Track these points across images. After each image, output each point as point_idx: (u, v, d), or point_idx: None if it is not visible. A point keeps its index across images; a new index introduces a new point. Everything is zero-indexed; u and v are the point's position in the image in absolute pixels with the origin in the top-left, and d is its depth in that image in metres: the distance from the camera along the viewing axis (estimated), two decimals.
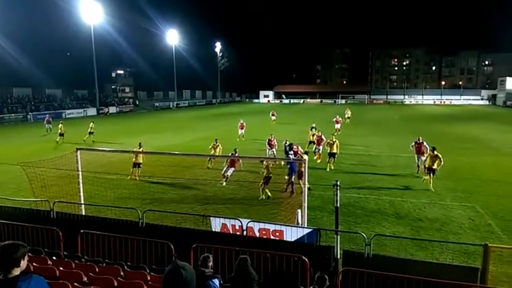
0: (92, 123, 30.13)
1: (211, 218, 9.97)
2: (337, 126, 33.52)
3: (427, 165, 15.70)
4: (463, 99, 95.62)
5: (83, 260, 7.48)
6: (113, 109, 66.45)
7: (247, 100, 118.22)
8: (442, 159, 15.37)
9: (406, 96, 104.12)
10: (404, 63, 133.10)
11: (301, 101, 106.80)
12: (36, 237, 8.35)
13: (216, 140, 19.90)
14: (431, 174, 15.48)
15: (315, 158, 20.93)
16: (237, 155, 16.61)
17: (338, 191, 8.41)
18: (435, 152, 15.50)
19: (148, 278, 6.17)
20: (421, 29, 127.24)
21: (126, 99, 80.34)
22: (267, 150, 20.90)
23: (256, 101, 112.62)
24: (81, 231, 8.17)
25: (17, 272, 3.24)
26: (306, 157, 14.34)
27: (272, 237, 8.82)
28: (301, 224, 9.66)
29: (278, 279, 7.13)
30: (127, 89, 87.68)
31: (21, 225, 8.53)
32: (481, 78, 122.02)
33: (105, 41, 67.21)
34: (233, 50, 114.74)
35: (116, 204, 13.39)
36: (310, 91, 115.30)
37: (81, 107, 61.73)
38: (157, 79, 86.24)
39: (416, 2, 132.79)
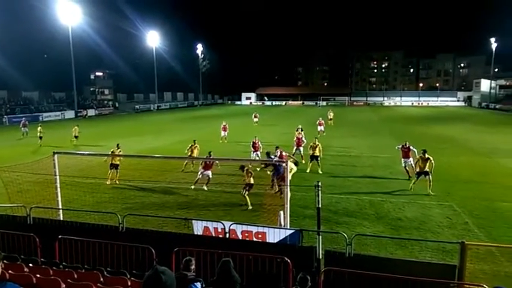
0: (76, 127, 29.94)
1: (193, 221, 9.88)
2: (321, 128, 33.83)
3: (418, 169, 15.28)
4: (440, 101, 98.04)
5: (61, 266, 7.29)
6: (91, 112, 65.21)
7: (229, 102, 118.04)
8: (433, 161, 15.06)
9: (385, 98, 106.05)
10: (383, 65, 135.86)
11: (283, 102, 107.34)
12: (12, 244, 8.10)
13: (194, 141, 19.69)
14: (425, 177, 15.04)
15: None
16: (212, 158, 16.23)
17: (319, 192, 8.49)
18: (426, 155, 15.13)
19: (129, 283, 6.07)
20: (399, 33, 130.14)
21: (106, 102, 78.98)
22: (251, 152, 20.67)
23: (238, 103, 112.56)
24: (59, 236, 7.97)
25: None
26: (294, 167, 14.25)
27: (255, 239, 8.82)
28: (284, 226, 9.70)
29: (261, 281, 7.14)
30: (106, 91, 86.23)
31: None
32: (457, 80, 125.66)
33: (83, 43, 65.94)
34: (215, 51, 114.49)
35: (95, 208, 13.13)
36: (292, 93, 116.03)
37: (59, 110, 60.38)
38: (137, 81, 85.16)
39: (395, 6, 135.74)
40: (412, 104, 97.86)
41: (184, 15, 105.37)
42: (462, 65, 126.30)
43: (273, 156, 15.71)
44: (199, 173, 15.96)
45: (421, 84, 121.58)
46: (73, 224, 9.20)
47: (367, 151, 25.60)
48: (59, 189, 11.16)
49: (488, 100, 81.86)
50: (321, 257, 7.69)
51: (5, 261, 6.89)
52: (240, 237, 8.91)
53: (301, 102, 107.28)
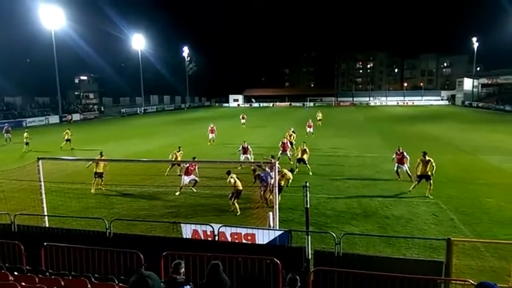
0: (68, 130, 29.69)
1: (181, 224, 9.82)
2: (310, 130, 34.05)
3: (419, 173, 14.71)
4: (425, 100, 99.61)
5: (47, 273, 7.15)
6: (76, 116, 64.27)
7: (216, 104, 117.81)
8: (434, 164, 14.57)
9: (371, 98, 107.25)
10: (369, 66, 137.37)
11: (271, 104, 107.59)
12: None
13: (179, 147, 19.49)
14: (427, 181, 14.59)
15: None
16: (194, 164, 15.89)
17: (308, 193, 8.53)
18: (427, 157, 14.64)
19: None
20: (383, 34, 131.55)
21: (91, 106, 78.02)
22: (241, 156, 20.48)
23: (226, 105, 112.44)
24: (45, 244, 7.83)
25: None
26: (290, 175, 14.20)
27: (244, 241, 8.81)
28: (273, 227, 9.72)
29: (251, 283, 7.13)
30: (91, 95, 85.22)
31: None
32: (441, 79, 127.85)
33: (67, 46, 64.87)
34: (201, 54, 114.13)
35: (81, 214, 12.94)
36: (279, 94, 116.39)
37: (43, 115, 59.34)
38: (123, 85, 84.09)
39: (379, 7, 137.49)
40: (398, 103, 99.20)
41: (169, 17, 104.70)
42: (445, 64, 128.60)
43: (262, 174, 13.86)
44: (182, 179, 15.73)
45: (405, 84, 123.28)
46: (59, 230, 9.04)
47: (354, 151, 25.83)
48: (44, 196, 10.96)
49: (471, 99, 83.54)
50: (310, 257, 7.72)
51: None
52: (230, 239, 8.88)
53: (288, 103, 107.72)
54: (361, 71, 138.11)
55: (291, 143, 23.31)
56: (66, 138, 29.09)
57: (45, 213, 10.82)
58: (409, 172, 16.82)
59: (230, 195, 13.24)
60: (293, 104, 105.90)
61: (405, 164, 17.09)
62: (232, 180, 13.01)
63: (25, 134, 29.05)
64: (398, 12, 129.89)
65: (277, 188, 10.19)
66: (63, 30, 61.17)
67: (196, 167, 16.28)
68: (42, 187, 10.89)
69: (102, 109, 77.19)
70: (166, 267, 6.88)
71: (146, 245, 7.88)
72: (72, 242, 7.85)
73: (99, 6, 76.96)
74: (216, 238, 8.48)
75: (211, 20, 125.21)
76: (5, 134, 33.73)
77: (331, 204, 14.00)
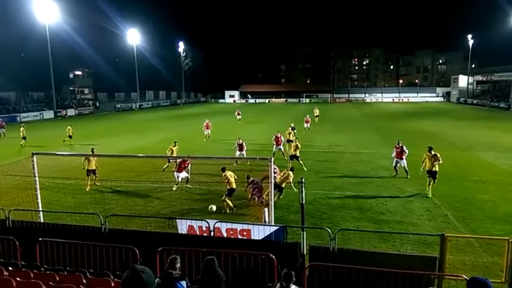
0: (69, 126, 29.69)
1: (177, 220, 9.83)
2: (307, 125, 34.08)
3: (427, 168, 14.44)
4: (420, 97, 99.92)
5: (42, 269, 7.14)
6: (71, 111, 63.78)
7: (212, 100, 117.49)
8: (440, 159, 14.28)
9: (367, 95, 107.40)
10: (364, 62, 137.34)
11: (267, 100, 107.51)
12: None
13: (175, 142, 19.44)
14: (432, 179, 14.31)
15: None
16: (188, 160, 15.88)
17: (303, 188, 8.55)
18: (432, 152, 14.39)
19: (112, 284, 6.00)
20: (379, 30, 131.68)
21: (86, 101, 77.37)
22: (237, 152, 20.45)
23: (222, 101, 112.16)
24: (40, 239, 7.80)
25: None
26: (292, 174, 13.95)
27: (240, 236, 8.84)
28: (269, 222, 9.75)
29: (246, 278, 7.16)
30: (86, 91, 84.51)
31: None
32: (436, 76, 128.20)
33: (61, 41, 64.22)
34: (197, 49, 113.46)
35: (76, 210, 12.92)
36: (275, 90, 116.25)
37: (38, 110, 58.85)
38: (118, 80, 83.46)
39: (375, 4, 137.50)
40: (393, 100, 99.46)
41: (165, 12, 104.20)
42: (441, 61, 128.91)
43: (255, 180, 13.27)
44: (175, 176, 15.68)
45: (401, 81, 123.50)
46: (54, 226, 9.03)
47: (350, 147, 25.92)
48: (38, 191, 10.90)
49: (466, 95, 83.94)
50: (305, 252, 7.77)
51: None
52: (225, 235, 8.91)
53: (284, 99, 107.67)
54: (357, 68, 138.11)
55: (290, 141, 23.08)
56: (68, 134, 29.12)
57: (40, 209, 10.78)
58: (406, 168, 16.84)
59: (225, 194, 12.92)
60: (289, 100, 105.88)
61: (404, 159, 17.02)
62: (228, 175, 12.96)
63: (21, 129, 28.89)
64: (394, 8, 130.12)
65: (272, 185, 10.20)
66: (57, 25, 60.50)
67: (189, 163, 16.18)
68: (37, 182, 10.83)
69: (97, 104, 76.63)
70: (161, 263, 6.89)
71: (142, 240, 7.88)
72: (67, 238, 7.83)
73: (94, 0, 76.30)
74: (212, 234, 8.49)
75: (207, 16, 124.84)
76: None
77: (326, 200, 14.06)
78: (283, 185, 13.64)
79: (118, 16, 79.72)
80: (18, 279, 5.88)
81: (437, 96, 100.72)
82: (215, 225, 8.68)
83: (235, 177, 13.16)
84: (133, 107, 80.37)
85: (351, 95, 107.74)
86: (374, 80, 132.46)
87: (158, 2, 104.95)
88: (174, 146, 18.91)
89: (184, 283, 4.98)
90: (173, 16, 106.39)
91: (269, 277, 6.96)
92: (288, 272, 5.09)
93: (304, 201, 8.60)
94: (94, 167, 16.00)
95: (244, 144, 20.42)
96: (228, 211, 12.69)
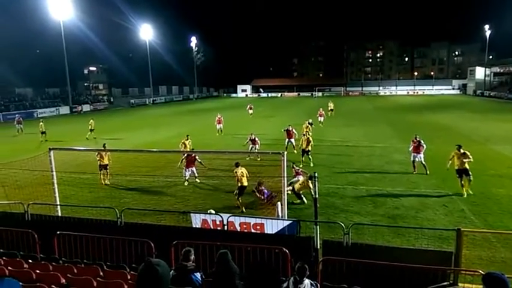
0: (91, 121, 30.22)
1: (191, 214, 9.92)
2: (321, 119, 33.80)
3: (457, 167, 13.80)
4: (435, 89, 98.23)
5: (60, 261, 7.31)
6: (86, 107, 64.79)
7: (225, 95, 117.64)
8: (471, 157, 13.64)
9: (381, 88, 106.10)
10: (378, 55, 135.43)
11: (279, 94, 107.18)
12: (11, 241, 8.11)
13: (187, 136, 19.54)
14: (466, 176, 13.56)
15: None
16: (194, 155, 15.69)
17: (316, 183, 8.53)
18: (461, 150, 13.79)
19: (129, 277, 6.10)
20: (393, 22, 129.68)
21: (100, 97, 78.45)
22: (250, 147, 20.46)
23: (234, 95, 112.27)
24: (58, 232, 7.98)
25: None
26: (301, 178, 13.41)
27: (253, 230, 8.87)
28: (282, 217, 9.76)
29: (260, 272, 7.20)
30: (100, 86, 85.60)
31: None
32: (452, 68, 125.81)
33: (76, 37, 65.18)
34: (209, 44, 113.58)
35: (92, 204, 13.16)
36: (288, 84, 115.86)
37: (53, 106, 59.91)
38: (132, 75, 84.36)
39: None
40: (408, 93, 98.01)
41: (177, 7, 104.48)
42: (457, 53, 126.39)
43: (265, 190, 12.87)
44: (184, 171, 15.69)
45: (416, 73, 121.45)
46: (71, 219, 9.21)
47: (363, 141, 25.68)
48: (56, 185, 11.14)
49: (483, 88, 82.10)
50: (318, 246, 7.76)
51: (4, 257, 6.92)
52: (239, 229, 8.96)
53: (296, 93, 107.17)
54: (370, 60, 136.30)
55: (304, 134, 22.75)
56: (90, 128, 29.69)
57: (58, 203, 11.01)
58: (424, 162, 16.43)
59: (236, 191, 12.83)
60: (301, 94, 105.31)
61: (421, 153, 16.53)
62: (239, 172, 12.72)
63: (41, 124, 29.52)
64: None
65: (285, 179, 10.18)
66: (71, 21, 61.28)
67: (197, 157, 15.88)
68: (54, 177, 11.05)
69: (112, 100, 77.59)
70: (176, 256, 6.97)
71: (157, 234, 7.98)
72: (84, 231, 7.98)
73: None
74: (225, 227, 8.55)
75: (219, 10, 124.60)
76: (17, 125, 34.25)
77: (339, 194, 13.99)
78: (301, 192, 13.18)
79: (131, 12, 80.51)
80: (37, 271, 6.03)
81: (453, 88, 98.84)
82: (229, 219, 8.73)
83: (247, 174, 12.91)
84: (147, 102, 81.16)
85: (364, 88, 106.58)
86: (388, 72, 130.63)
87: None
88: (187, 140, 19.04)
89: (198, 275, 5.04)
90: (185, 11, 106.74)
91: (283, 271, 6.98)
92: (302, 266, 5.09)
93: (317, 196, 8.58)
94: (106, 162, 16.05)
95: (257, 139, 20.40)
96: (244, 210, 12.41)
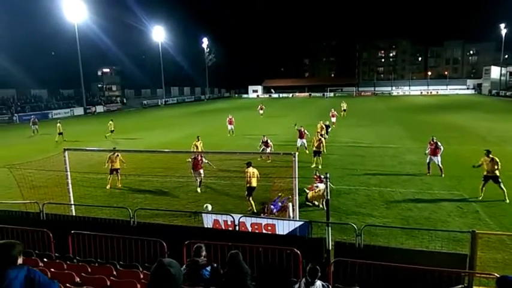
0: (111, 121, 30.81)
1: (203, 214, 9.98)
2: (333, 120, 33.49)
3: (485, 173, 13.26)
4: (450, 89, 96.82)
5: (74, 260, 7.43)
6: (100, 108, 65.65)
7: (236, 95, 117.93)
8: (499, 163, 13.06)
9: (394, 88, 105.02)
10: (391, 54, 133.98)
11: (290, 95, 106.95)
12: (27, 239, 8.26)
13: (198, 137, 19.57)
14: (495, 184, 13.01)
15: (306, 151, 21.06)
16: (200, 158, 15.29)
17: (328, 183, 8.49)
18: (490, 156, 13.25)
19: (141, 276, 6.16)
20: (406, 20, 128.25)
21: (113, 98, 79.36)
22: (261, 148, 20.37)
23: (245, 96, 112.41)
24: (72, 231, 8.11)
25: None
26: (322, 186, 12.62)
27: (264, 231, 8.88)
28: (293, 217, 9.74)
29: (271, 273, 7.19)
30: (114, 88, 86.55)
31: (11, 228, 8.42)
32: (467, 67, 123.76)
33: (89, 39, 66.16)
34: (220, 45, 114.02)
35: (106, 203, 13.32)
36: (299, 85, 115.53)
37: (68, 107, 60.87)
38: (144, 77, 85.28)
39: None
40: (421, 93, 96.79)
41: (189, 9, 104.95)
42: (471, 52, 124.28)
43: (272, 205, 12.12)
44: (193, 175, 15.30)
45: (429, 73, 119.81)
46: (85, 219, 9.35)
47: (376, 141, 25.46)
48: (70, 185, 11.32)
49: (498, 87, 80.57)
50: (330, 248, 7.72)
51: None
52: (250, 229, 8.97)
53: (308, 94, 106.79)
54: (383, 60, 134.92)
55: (321, 135, 22.42)
56: (110, 129, 30.22)
57: (72, 202, 11.18)
58: (440, 165, 16.07)
59: (246, 193, 12.67)
60: (313, 94, 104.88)
61: (438, 156, 16.14)
62: (250, 172, 12.48)
63: (58, 125, 30.06)
64: None
65: (297, 180, 10.15)
66: (85, 24, 62.25)
67: (204, 159, 15.57)
68: (69, 177, 11.24)
69: (125, 101, 78.49)
70: (188, 255, 7.00)
71: (169, 233, 8.05)
72: (97, 230, 8.09)
73: None
74: (237, 228, 8.57)
75: (230, 11, 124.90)
76: (32, 126, 34.88)
77: (351, 195, 13.90)
78: (315, 202, 12.97)
79: (143, 14, 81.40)
80: (52, 270, 6.14)
81: (467, 88, 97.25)
82: (240, 220, 8.75)
83: (258, 176, 12.72)
84: (159, 103, 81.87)
85: (376, 88, 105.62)
86: (401, 72, 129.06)
87: None
88: (198, 141, 19.13)
89: (208, 269, 5.11)
90: (197, 12, 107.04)
91: (294, 272, 6.97)
92: (314, 268, 5.07)
93: (329, 197, 8.54)
94: (118, 166, 15.85)
95: (269, 141, 20.32)
96: (255, 210, 12.31)
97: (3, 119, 49.37)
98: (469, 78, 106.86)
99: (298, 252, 6.93)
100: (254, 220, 9.14)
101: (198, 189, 14.99)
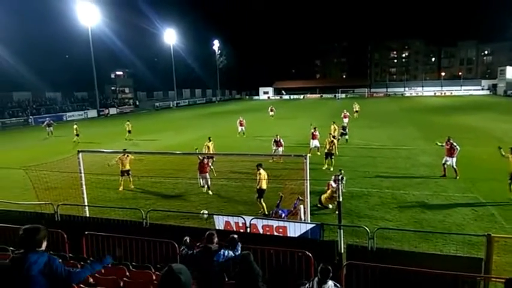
0: (128, 122, 31.52)
1: (214, 216, 10.02)
2: (346, 120, 33.16)
3: (510, 171, 13.08)
4: (464, 90, 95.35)
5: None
6: (113, 110, 66.50)
7: (247, 97, 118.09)
8: None
9: (406, 89, 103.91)
10: (404, 55, 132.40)
11: (301, 96, 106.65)
12: None
13: (209, 138, 19.61)
14: None
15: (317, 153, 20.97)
16: (206, 161, 15.23)
17: (340, 186, 8.44)
18: None
19: (154, 277, 6.21)
20: (419, 20, 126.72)
21: (126, 100, 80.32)
22: (273, 149, 20.33)
23: (256, 97, 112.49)
24: (86, 232, 8.22)
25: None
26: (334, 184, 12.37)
27: (276, 233, 8.86)
28: (305, 220, 9.70)
29: (283, 275, 7.17)
30: (126, 90, 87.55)
31: None
32: (481, 68, 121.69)
33: (103, 43, 67.16)
34: (231, 47, 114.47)
35: (119, 205, 13.46)
36: (310, 86, 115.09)
37: (82, 109, 61.79)
38: (156, 79, 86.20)
39: None
40: (435, 93, 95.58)
41: (200, 11, 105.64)
42: (486, 52, 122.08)
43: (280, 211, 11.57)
44: (198, 178, 15.19)
45: (443, 74, 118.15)
46: (99, 220, 9.47)
47: (388, 143, 25.21)
48: (84, 187, 11.48)
49: None
50: (342, 251, 7.66)
51: None
52: (261, 231, 8.96)
53: (319, 95, 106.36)
54: (395, 61, 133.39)
55: (334, 137, 22.22)
56: (128, 129, 30.88)
57: (86, 204, 11.34)
58: (455, 166, 15.75)
59: (256, 195, 12.57)
60: (324, 95, 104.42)
61: (454, 157, 15.86)
62: (261, 175, 12.37)
63: (75, 127, 30.71)
64: None
65: (308, 181, 10.11)
66: (98, 27, 63.17)
67: (211, 163, 15.44)
68: (83, 178, 11.40)
69: (137, 103, 79.38)
70: None
71: (181, 235, 8.06)
72: (111, 231, 8.19)
73: (132, 2, 78.92)
74: (248, 230, 8.57)
75: (241, 13, 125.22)
76: (47, 128, 35.48)
77: (364, 197, 13.77)
78: (329, 206, 12.80)
79: (155, 17, 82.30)
80: None
81: (482, 89, 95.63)
82: (251, 222, 8.75)
83: (266, 177, 12.58)
84: (171, 105, 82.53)
85: (389, 89, 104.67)
86: (414, 73, 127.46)
87: (193, 1, 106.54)
88: (209, 142, 19.17)
89: (222, 251, 5.21)
90: (207, 15, 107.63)
91: (306, 274, 6.93)
92: (325, 267, 5.04)
93: (341, 199, 8.49)
94: (128, 168, 15.97)
95: (281, 141, 20.32)
96: (266, 212, 12.18)
97: (18, 121, 50.36)
98: (484, 78, 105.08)
99: (310, 254, 6.89)
100: (265, 222, 9.14)
101: (210, 192, 15.01)
